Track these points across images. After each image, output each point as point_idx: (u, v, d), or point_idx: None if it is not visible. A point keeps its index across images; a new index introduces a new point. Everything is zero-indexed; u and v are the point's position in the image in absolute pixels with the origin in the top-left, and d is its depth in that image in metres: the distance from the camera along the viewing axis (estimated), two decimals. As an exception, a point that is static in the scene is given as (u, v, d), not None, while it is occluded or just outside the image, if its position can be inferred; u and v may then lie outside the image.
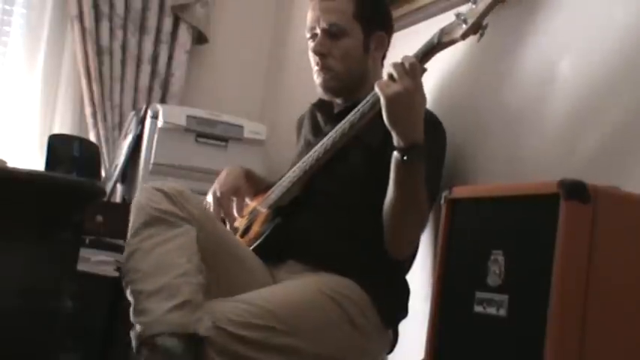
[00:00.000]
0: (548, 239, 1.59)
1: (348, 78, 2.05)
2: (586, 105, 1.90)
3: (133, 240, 1.78)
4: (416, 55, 1.73)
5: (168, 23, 3.83)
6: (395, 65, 1.71)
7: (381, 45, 2.09)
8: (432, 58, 1.77)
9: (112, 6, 3.69)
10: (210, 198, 2.13)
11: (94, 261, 2.83)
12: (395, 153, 1.74)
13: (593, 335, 1.56)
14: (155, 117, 3.33)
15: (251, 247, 2.01)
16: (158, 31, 3.82)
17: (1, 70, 3.61)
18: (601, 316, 1.57)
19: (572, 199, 1.57)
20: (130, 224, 1.81)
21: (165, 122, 3.31)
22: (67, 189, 2.02)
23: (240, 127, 3.45)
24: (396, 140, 1.73)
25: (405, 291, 2.02)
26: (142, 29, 3.79)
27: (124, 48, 3.74)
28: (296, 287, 1.86)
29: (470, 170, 2.23)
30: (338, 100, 2.10)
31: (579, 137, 1.90)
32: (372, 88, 1.89)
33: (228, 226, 2.12)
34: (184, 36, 3.86)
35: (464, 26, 1.65)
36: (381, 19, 2.11)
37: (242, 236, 2.12)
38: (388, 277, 1.94)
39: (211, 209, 2.11)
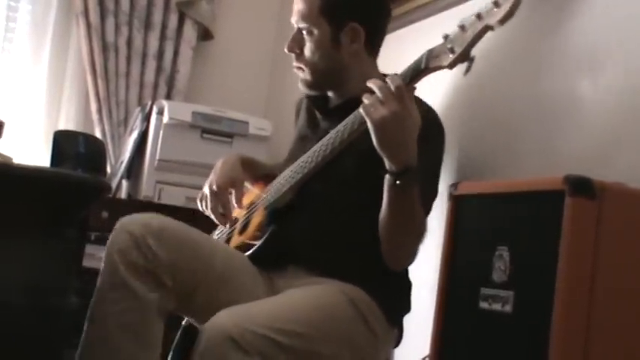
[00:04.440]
0: (554, 235, 1.59)
1: (320, 75, 2.01)
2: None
3: (97, 309, 1.83)
4: (403, 77, 1.68)
5: (173, 19, 3.83)
6: (380, 87, 1.65)
7: (356, 37, 2.02)
8: (420, 80, 1.71)
9: (117, 2, 3.70)
10: (206, 190, 2.12)
11: (100, 257, 2.83)
12: (387, 176, 1.72)
13: (598, 331, 1.55)
14: (161, 113, 3.33)
15: (247, 253, 2.00)
16: (163, 27, 3.82)
17: (7, 66, 3.62)
18: (606, 312, 1.56)
19: (577, 195, 1.56)
20: (99, 279, 1.84)
21: (170, 118, 3.32)
22: (73, 185, 2.02)
23: (246, 123, 3.45)
24: (387, 164, 1.70)
25: (406, 287, 2.01)
26: (147, 25, 3.79)
27: (129, 44, 3.74)
28: (314, 292, 1.85)
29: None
30: (330, 94, 2.08)
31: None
32: (361, 82, 1.88)
33: (222, 222, 2.11)
34: (190, 32, 3.86)
35: (451, 56, 1.60)
36: (353, 10, 2.04)
37: (241, 233, 2.10)
38: (390, 278, 1.93)
39: (208, 202, 2.09)
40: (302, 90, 2.09)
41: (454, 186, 2.05)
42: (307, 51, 2.01)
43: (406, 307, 2.00)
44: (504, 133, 2.25)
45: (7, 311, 1.86)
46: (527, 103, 2.19)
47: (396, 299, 1.97)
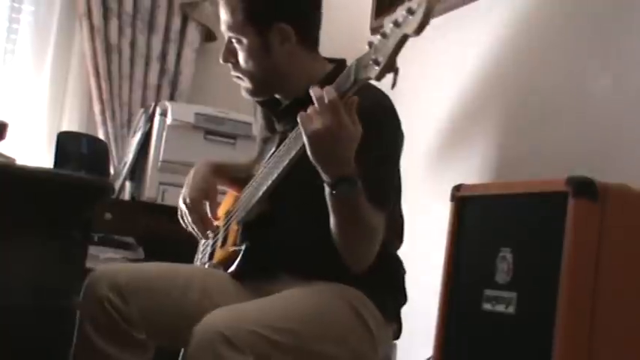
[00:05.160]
0: (557, 237, 1.59)
1: (259, 82, 1.98)
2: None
3: None
4: (337, 89, 1.66)
5: (177, 21, 3.83)
6: (318, 98, 1.63)
7: (286, 37, 1.99)
8: (354, 90, 1.68)
9: (120, 4, 3.70)
10: (181, 204, 2.10)
11: (103, 258, 2.84)
12: (324, 184, 1.71)
13: (601, 331, 1.56)
14: (164, 114, 3.33)
15: (229, 271, 1.99)
16: (167, 29, 3.83)
17: (10, 67, 3.62)
18: (609, 313, 1.56)
19: (580, 197, 1.56)
20: (74, 341, 1.85)
21: (173, 120, 3.32)
22: (76, 187, 2.03)
23: (249, 124, 3.45)
24: (322, 175, 1.69)
25: (400, 279, 1.99)
26: (150, 27, 3.79)
27: (132, 46, 3.74)
28: (307, 291, 1.84)
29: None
30: (277, 96, 2.06)
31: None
32: (303, 78, 1.86)
33: (203, 234, 2.10)
34: (193, 34, 3.87)
35: (376, 68, 1.57)
36: (277, 11, 2.00)
37: (222, 245, 2.09)
38: (382, 274, 1.91)
39: (186, 217, 2.08)
40: (247, 98, 2.08)
41: (457, 187, 2.05)
42: (241, 60, 1.99)
43: (402, 300, 1.99)
44: (511, 135, 2.25)
45: (10, 311, 1.86)
46: (536, 104, 2.19)
47: (390, 294, 1.95)
